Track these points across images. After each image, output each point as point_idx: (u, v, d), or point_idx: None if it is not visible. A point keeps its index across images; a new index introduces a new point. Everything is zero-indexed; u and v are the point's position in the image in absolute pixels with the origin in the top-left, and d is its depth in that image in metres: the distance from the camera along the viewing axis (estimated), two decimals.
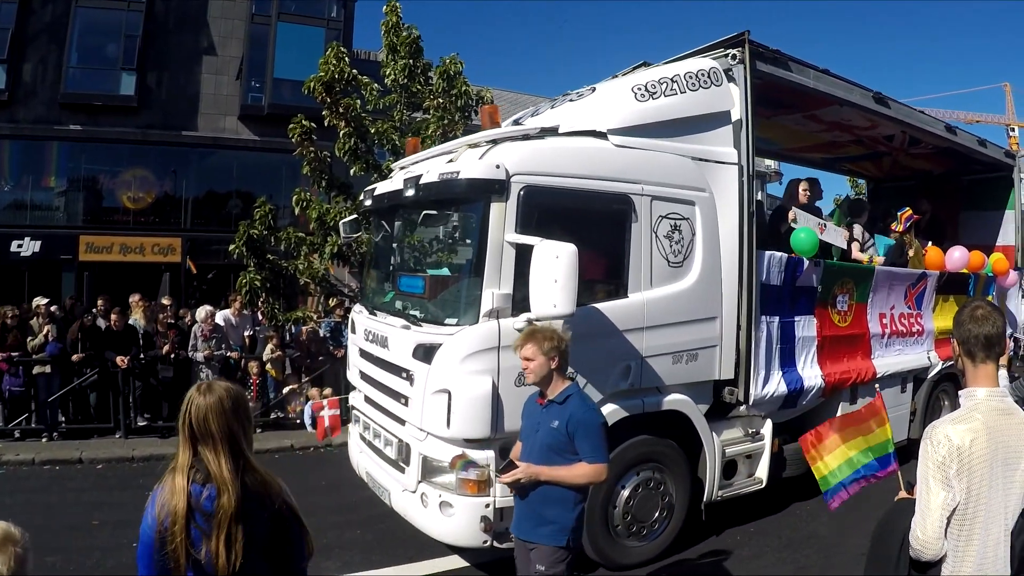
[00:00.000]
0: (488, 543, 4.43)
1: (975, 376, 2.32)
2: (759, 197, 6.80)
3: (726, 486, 5.50)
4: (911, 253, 7.24)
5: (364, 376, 5.55)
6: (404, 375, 4.76)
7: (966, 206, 8.96)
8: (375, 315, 5.46)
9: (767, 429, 5.68)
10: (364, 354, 5.53)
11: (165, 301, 11.01)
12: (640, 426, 4.95)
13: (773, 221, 6.52)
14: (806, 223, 6.03)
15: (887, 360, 6.84)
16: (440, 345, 4.44)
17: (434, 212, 5.02)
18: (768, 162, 22.50)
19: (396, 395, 4.90)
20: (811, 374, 5.94)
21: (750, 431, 5.68)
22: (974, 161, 8.43)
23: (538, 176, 4.48)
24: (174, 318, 9.98)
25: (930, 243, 7.75)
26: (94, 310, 9.87)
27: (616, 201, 4.79)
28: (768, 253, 5.49)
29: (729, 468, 5.55)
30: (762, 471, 5.70)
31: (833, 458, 4.04)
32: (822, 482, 3.98)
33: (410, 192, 4.86)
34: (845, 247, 6.38)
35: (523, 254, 4.25)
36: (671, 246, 4.99)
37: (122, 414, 8.91)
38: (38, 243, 18.87)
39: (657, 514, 5.08)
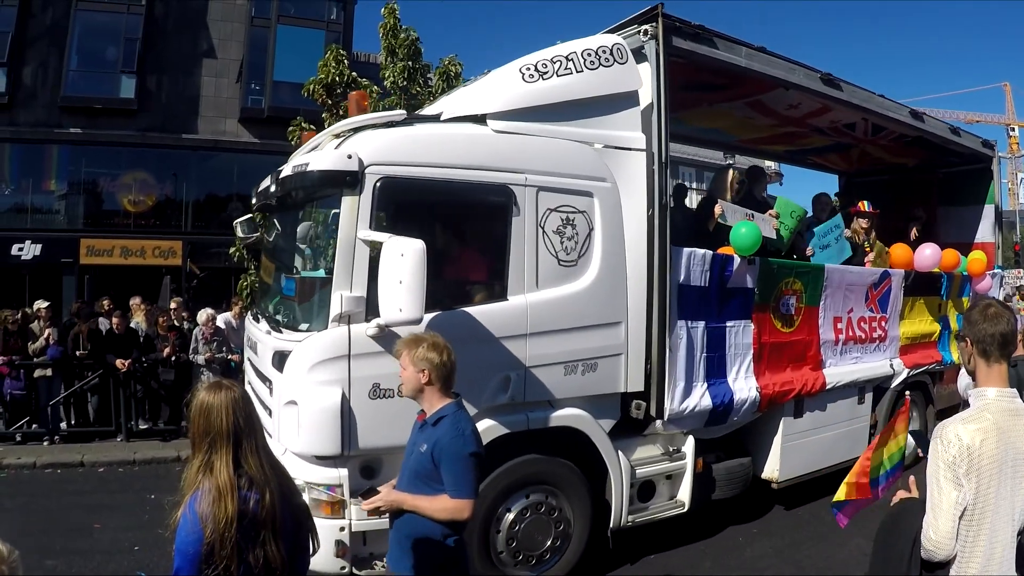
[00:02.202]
0: (346, 569, 4.03)
1: (988, 375, 2.30)
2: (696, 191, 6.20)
3: (640, 510, 4.95)
4: (871, 255, 6.59)
5: (250, 384, 5.18)
6: (267, 384, 4.38)
7: (943, 201, 8.21)
8: (257, 320, 5.08)
9: (689, 447, 5.10)
10: (250, 361, 5.18)
11: (173, 304, 10.86)
12: (530, 444, 4.46)
13: (699, 217, 5.93)
14: (733, 217, 5.45)
15: (841, 369, 6.20)
16: (290, 352, 4.03)
17: (296, 208, 4.61)
18: (768, 163, 21.62)
19: (264, 405, 4.50)
20: (744, 386, 5.35)
21: (671, 449, 5.13)
22: (949, 152, 7.71)
23: (399, 167, 4.04)
24: (179, 321, 9.86)
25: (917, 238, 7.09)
26: (98, 310, 9.92)
27: (493, 193, 4.30)
28: (687, 250, 4.93)
29: (646, 490, 5.01)
30: (684, 493, 5.14)
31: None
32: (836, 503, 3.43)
33: (273, 188, 4.51)
34: (774, 236, 5.76)
35: (379, 253, 3.78)
36: (562, 243, 4.47)
37: (123, 417, 8.90)
38: (39, 246, 19.06)
39: (550, 542, 4.56)
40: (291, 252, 4.97)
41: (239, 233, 5.74)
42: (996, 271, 7.93)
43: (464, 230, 4.37)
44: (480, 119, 4.42)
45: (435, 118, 4.56)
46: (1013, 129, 45.54)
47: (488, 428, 4.20)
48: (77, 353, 8.91)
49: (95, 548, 5.45)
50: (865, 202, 6.99)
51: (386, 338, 3.81)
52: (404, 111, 4.39)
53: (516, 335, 4.30)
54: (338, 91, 10.62)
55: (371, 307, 3.85)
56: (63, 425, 9.04)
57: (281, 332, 4.37)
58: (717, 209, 5.54)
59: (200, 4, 21.06)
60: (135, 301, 10.60)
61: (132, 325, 9.64)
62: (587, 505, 4.65)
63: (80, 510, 6.36)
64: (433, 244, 4.50)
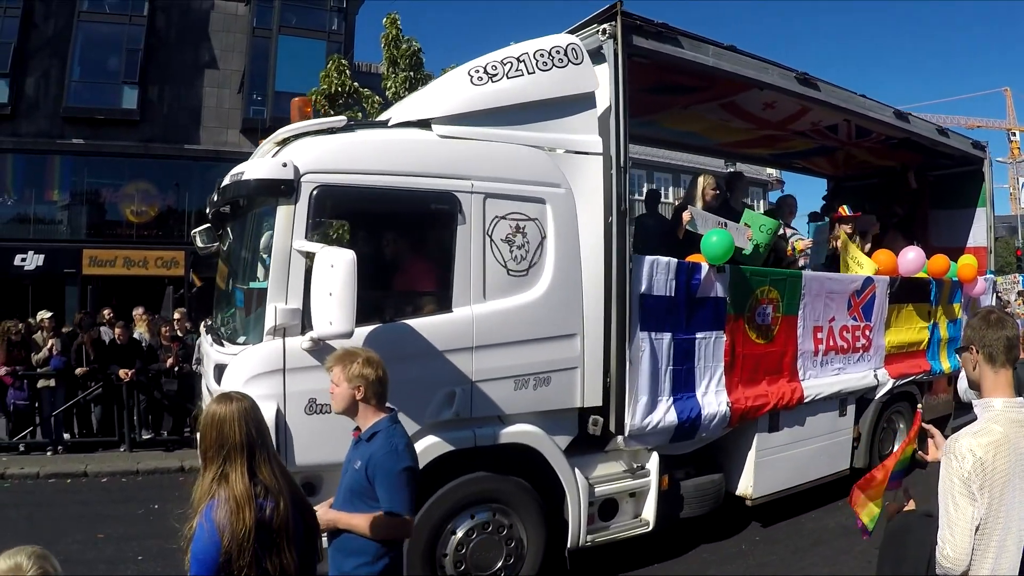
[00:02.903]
0: None
1: (995, 384, 2.28)
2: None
3: (600, 529, 4.75)
4: (837, 244, 6.34)
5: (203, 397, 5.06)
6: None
7: (934, 204, 7.93)
8: (207, 332, 4.97)
9: (653, 464, 4.89)
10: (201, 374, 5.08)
11: (176, 314, 10.79)
12: (481, 461, 4.28)
13: (671, 224, 5.73)
14: (705, 225, 5.25)
15: (822, 381, 5.96)
16: (227, 366, 3.91)
17: (240, 217, 4.49)
18: (770, 170, 21.31)
19: None
20: (714, 400, 5.14)
21: (635, 466, 4.92)
22: (940, 154, 7.44)
23: (337, 174, 3.92)
24: (182, 331, 9.85)
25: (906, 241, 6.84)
26: (100, 321, 9.98)
27: (437, 200, 4.15)
28: (649, 259, 4.74)
29: (608, 508, 4.81)
30: (648, 512, 4.92)
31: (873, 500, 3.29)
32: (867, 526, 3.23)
33: (215, 197, 4.43)
34: (748, 248, 5.55)
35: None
36: (512, 252, 4.31)
37: (126, 427, 8.89)
38: (41, 257, 19.22)
39: (501, 562, 4.37)
40: (237, 262, 4.85)
41: (198, 243, 5.63)
42: (988, 276, 7.64)
43: (407, 239, 4.23)
44: (425, 124, 4.28)
45: (382, 124, 4.44)
46: (1014, 134, 46.14)
47: (432, 445, 4.05)
48: (79, 367, 8.89)
49: (99, 558, 5.43)
50: (845, 207, 6.76)
51: (321, 352, 3.66)
52: (345, 117, 4.25)
53: (461, 348, 4.14)
54: (340, 101, 10.71)
55: (309, 319, 3.71)
56: (66, 436, 9.09)
57: (223, 345, 4.25)
58: (686, 216, 5.33)
59: (202, 15, 21.25)
60: (138, 311, 10.64)
61: (135, 335, 9.68)
62: (540, 523, 4.46)
63: (83, 520, 6.36)
64: (374, 254, 4.45)
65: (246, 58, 21.35)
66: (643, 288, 4.70)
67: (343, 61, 11.29)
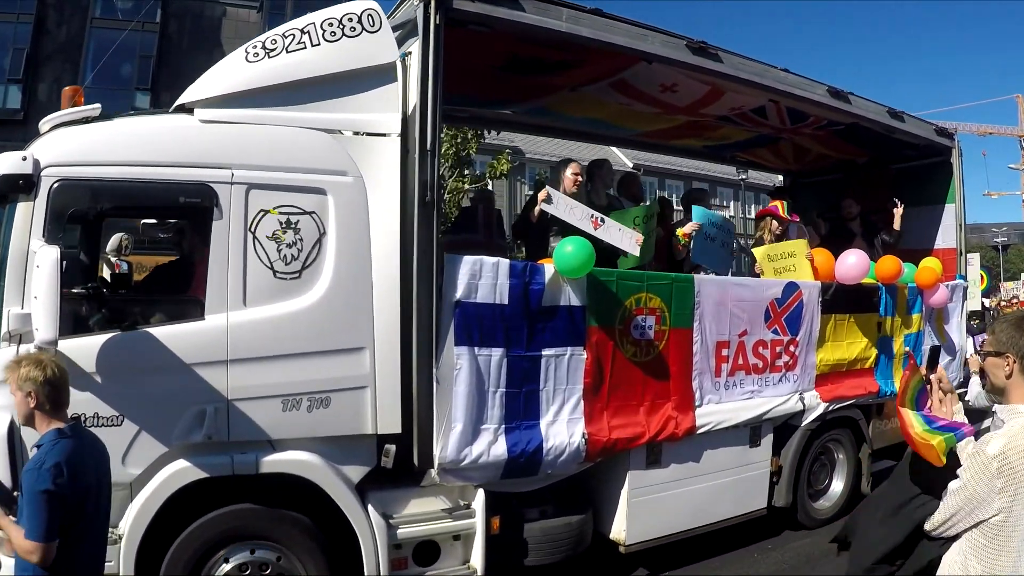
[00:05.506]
0: None
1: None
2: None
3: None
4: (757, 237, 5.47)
5: None
6: None
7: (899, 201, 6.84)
8: None
9: (479, 503, 4.17)
10: None
11: None
12: (253, 491, 3.70)
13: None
14: (568, 213, 4.48)
15: (726, 407, 5.08)
16: None
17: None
18: (780, 177, 19.99)
19: None
20: (564, 431, 4.36)
21: (461, 504, 4.23)
22: (901, 144, 6.40)
23: (82, 168, 3.53)
24: None
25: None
26: None
27: (189, 193, 3.61)
28: (469, 258, 4.05)
29: (427, 551, 4.13)
30: (476, 558, 4.19)
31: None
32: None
33: None
34: (637, 253, 4.75)
35: None
36: (280, 251, 3.70)
37: None
38: None
39: None
40: None
41: None
42: (958, 281, 6.53)
43: (158, 238, 3.72)
44: (189, 109, 3.79)
45: (146, 112, 3.95)
46: None
47: (181, 471, 3.55)
48: None
49: None
50: (783, 203, 5.84)
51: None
52: (99, 105, 3.78)
53: (213, 362, 3.57)
54: None
55: None
56: None
57: None
58: (542, 193, 4.55)
59: (214, 22, 21.51)
60: None
61: None
62: (323, 566, 3.83)
63: None
64: (119, 254, 3.94)
65: None
66: (459, 293, 4.00)
67: None
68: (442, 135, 11.12)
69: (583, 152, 17.81)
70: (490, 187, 17.55)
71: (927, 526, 2.29)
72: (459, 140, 14.46)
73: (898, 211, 6.27)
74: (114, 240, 5.44)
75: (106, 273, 5.10)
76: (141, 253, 5.50)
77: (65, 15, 19.71)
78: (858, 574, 2.52)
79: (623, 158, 28.15)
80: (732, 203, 32.97)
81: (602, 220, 4.66)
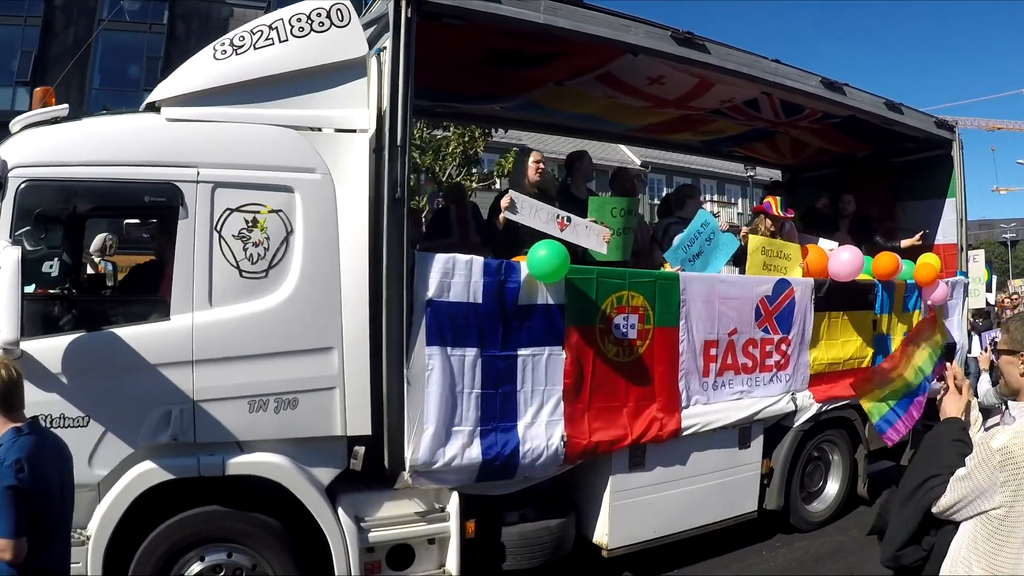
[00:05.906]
0: None
1: None
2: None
3: None
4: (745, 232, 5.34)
5: None
6: None
7: (900, 196, 6.65)
8: None
9: (453, 506, 4.09)
10: None
11: None
12: (222, 493, 3.66)
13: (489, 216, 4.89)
14: (533, 217, 4.39)
15: (713, 407, 4.96)
16: None
17: None
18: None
19: None
20: (542, 433, 4.27)
21: (436, 507, 4.16)
22: (900, 137, 6.23)
23: (50, 168, 3.51)
24: None
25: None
26: None
27: (155, 192, 3.60)
28: (441, 256, 3.97)
29: (401, 556, 4.07)
30: (451, 562, 4.12)
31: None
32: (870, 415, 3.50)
33: None
34: (604, 251, 4.64)
35: None
36: (246, 249, 3.65)
37: None
38: None
39: None
40: None
41: None
42: (959, 278, 6.35)
43: (124, 237, 3.68)
44: (157, 108, 3.77)
45: (117, 112, 3.96)
46: None
47: (147, 472, 3.52)
48: None
49: None
50: (777, 199, 5.69)
51: (26, 363, 3.20)
52: (67, 105, 3.76)
53: (178, 362, 3.54)
54: None
55: None
56: None
57: None
58: (505, 200, 4.44)
59: (221, 23, 21.51)
60: None
61: None
62: (292, 569, 3.77)
63: None
64: (85, 254, 3.93)
65: None
66: (431, 292, 3.92)
67: None
68: (447, 134, 11.07)
69: (591, 149, 17.62)
70: (498, 185, 17.45)
71: (935, 509, 2.32)
72: (467, 138, 14.36)
73: (908, 241, 6.18)
74: (98, 240, 5.47)
75: (89, 273, 5.15)
76: (126, 253, 5.53)
77: (73, 17, 19.89)
78: (888, 561, 2.48)
79: (631, 155, 28.00)
80: (740, 200, 32.66)
81: (568, 220, 4.51)
